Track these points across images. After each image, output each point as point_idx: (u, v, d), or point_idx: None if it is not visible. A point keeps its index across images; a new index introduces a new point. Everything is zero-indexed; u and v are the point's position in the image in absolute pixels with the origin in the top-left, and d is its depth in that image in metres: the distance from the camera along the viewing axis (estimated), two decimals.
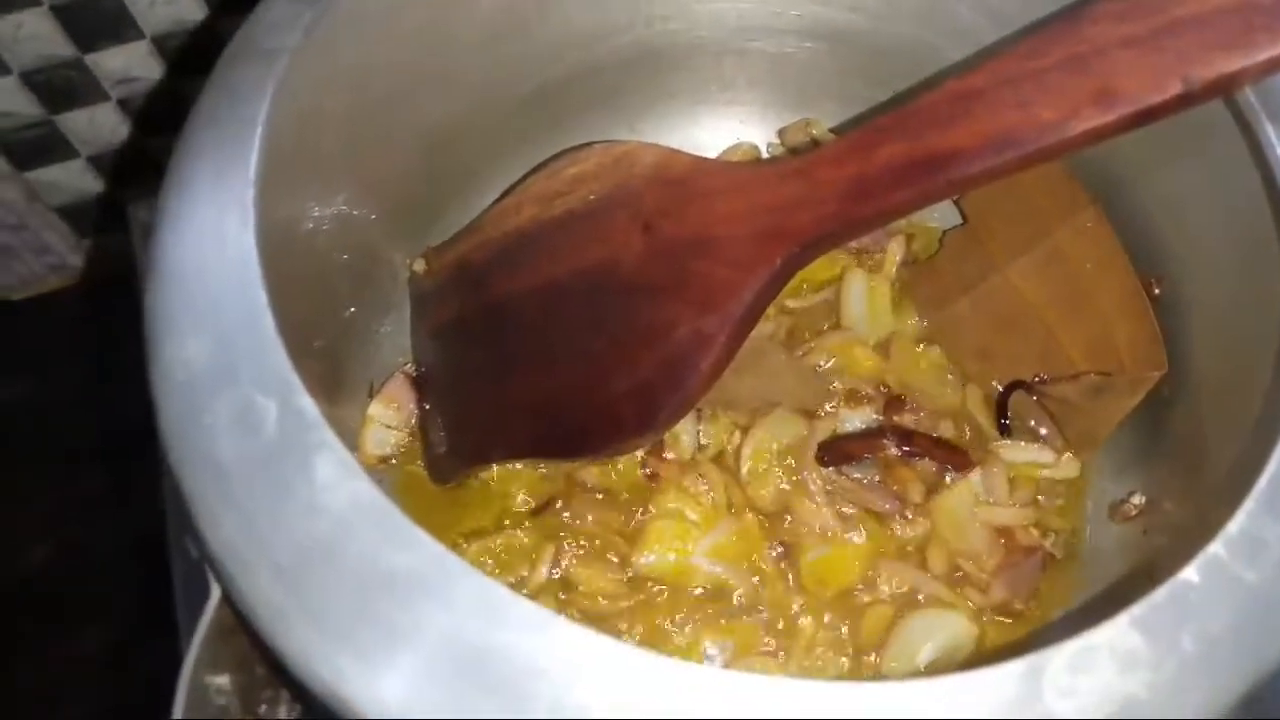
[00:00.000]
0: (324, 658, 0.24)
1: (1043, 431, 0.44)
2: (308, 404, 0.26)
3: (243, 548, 0.25)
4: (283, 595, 0.24)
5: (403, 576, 0.24)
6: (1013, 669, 0.22)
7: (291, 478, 0.25)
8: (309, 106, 0.35)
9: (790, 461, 0.44)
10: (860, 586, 0.42)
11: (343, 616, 0.24)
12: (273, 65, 0.32)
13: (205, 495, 0.25)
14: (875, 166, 0.33)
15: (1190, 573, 0.23)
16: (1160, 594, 0.23)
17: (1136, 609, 0.23)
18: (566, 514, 0.44)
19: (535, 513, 0.44)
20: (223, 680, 0.27)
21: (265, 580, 0.24)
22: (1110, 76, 0.30)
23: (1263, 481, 0.25)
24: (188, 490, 0.26)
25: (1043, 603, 0.42)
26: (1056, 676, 0.22)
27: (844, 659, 0.41)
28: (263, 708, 0.29)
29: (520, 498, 0.45)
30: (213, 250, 0.28)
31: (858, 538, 0.42)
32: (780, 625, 0.41)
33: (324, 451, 0.25)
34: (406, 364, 0.47)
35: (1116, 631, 0.22)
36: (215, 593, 0.26)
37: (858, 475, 0.44)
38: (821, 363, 0.47)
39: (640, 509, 0.44)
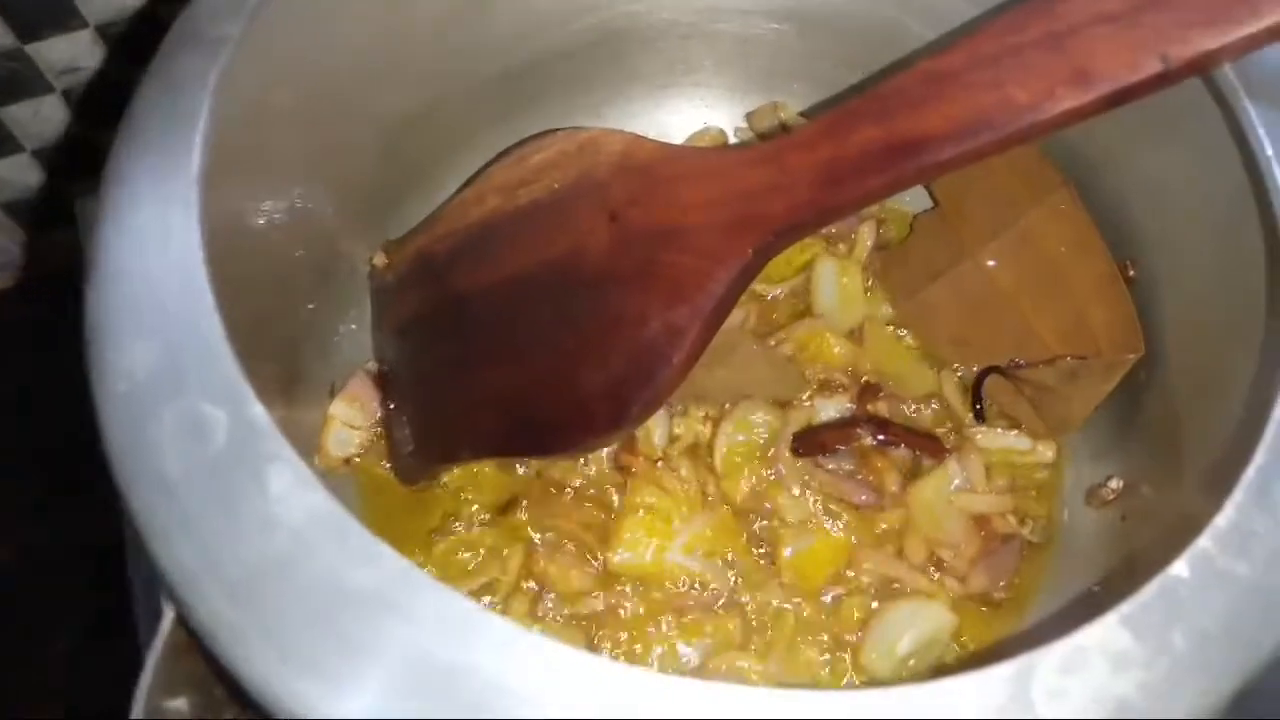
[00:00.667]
0: (284, 680, 0.23)
1: (1018, 417, 0.43)
2: (259, 413, 0.24)
3: (195, 566, 0.23)
4: (239, 615, 0.23)
5: (364, 593, 0.23)
6: (1002, 671, 0.21)
7: (244, 491, 0.23)
8: (255, 97, 0.33)
9: (765, 454, 0.43)
10: (839, 578, 0.41)
11: (302, 636, 0.22)
12: (215, 54, 0.31)
13: (153, 512, 0.24)
14: (848, 151, 0.32)
15: (1180, 568, 0.23)
16: (1149, 590, 0.22)
17: (1126, 607, 0.22)
18: (536, 512, 0.43)
19: (502, 511, 0.43)
20: (179, 704, 0.26)
21: (219, 600, 0.23)
22: (1087, 56, 0.29)
23: (1250, 473, 0.25)
24: (135, 507, 0.24)
25: (1021, 590, 0.41)
26: (1047, 678, 0.21)
27: (824, 653, 0.41)
28: None
29: (487, 496, 0.44)
30: (155, 250, 0.27)
31: (836, 529, 0.41)
32: (759, 620, 0.41)
33: (278, 463, 0.24)
34: (369, 361, 0.46)
35: (1106, 631, 0.22)
36: (169, 613, 0.25)
37: (833, 465, 0.43)
38: (794, 352, 0.47)
39: (612, 505, 0.43)
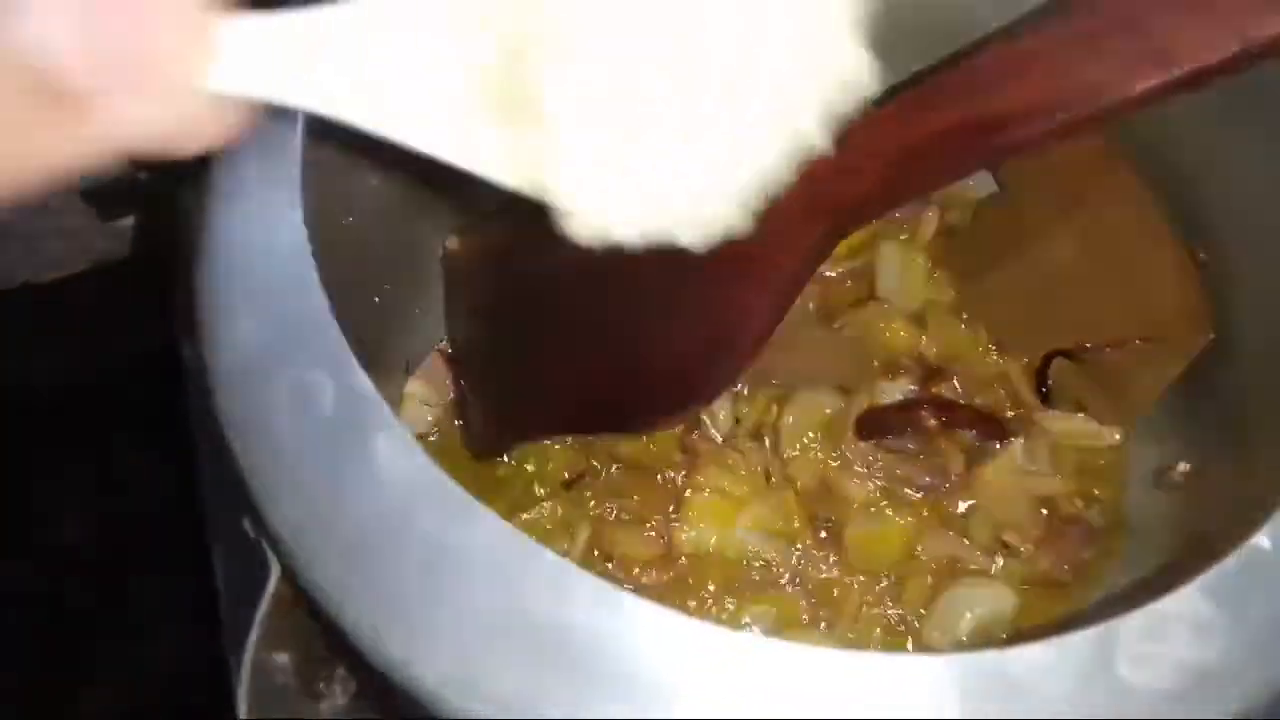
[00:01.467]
0: (386, 633, 0.24)
1: (1084, 400, 0.43)
2: (364, 382, 0.26)
3: (304, 526, 0.25)
4: (346, 573, 0.24)
5: (464, 551, 0.24)
6: (1086, 636, 0.22)
7: (351, 456, 0.25)
8: None
9: (829, 437, 0.44)
10: (903, 559, 0.41)
11: (407, 593, 0.24)
12: None
13: (264, 475, 0.25)
14: (921, 133, 0.32)
15: (1261, 539, 0.23)
16: (1231, 561, 0.23)
17: (1207, 577, 0.23)
18: (603, 488, 0.44)
19: (567, 485, 0.44)
20: (283, 659, 0.27)
21: (328, 558, 0.24)
22: (1165, 36, 0.29)
23: None
24: (246, 470, 0.26)
25: (1085, 572, 0.42)
26: (1129, 645, 0.22)
27: (887, 632, 0.41)
28: (320, 686, 0.29)
29: (553, 471, 0.45)
30: (261, 230, 0.28)
31: (900, 512, 0.42)
32: (822, 598, 0.41)
33: (384, 429, 0.25)
34: (442, 342, 0.47)
35: (1188, 600, 0.22)
36: (274, 571, 0.26)
37: (897, 448, 0.44)
38: (857, 335, 0.47)
39: (678, 484, 0.44)
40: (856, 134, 0.34)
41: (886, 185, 0.33)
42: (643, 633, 0.23)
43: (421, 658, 0.23)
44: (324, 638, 0.26)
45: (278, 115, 0.30)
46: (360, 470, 0.25)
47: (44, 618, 0.82)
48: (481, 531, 0.24)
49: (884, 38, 0.49)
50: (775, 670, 0.23)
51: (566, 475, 0.45)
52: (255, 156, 0.29)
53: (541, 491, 0.45)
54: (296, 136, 0.29)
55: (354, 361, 0.26)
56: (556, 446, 0.45)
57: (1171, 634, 0.22)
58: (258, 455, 0.26)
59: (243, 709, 0.25)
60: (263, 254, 0.28)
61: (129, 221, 0.82)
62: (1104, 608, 0.23)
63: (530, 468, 0.45)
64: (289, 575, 0.26)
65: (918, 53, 0.47)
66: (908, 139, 0.33)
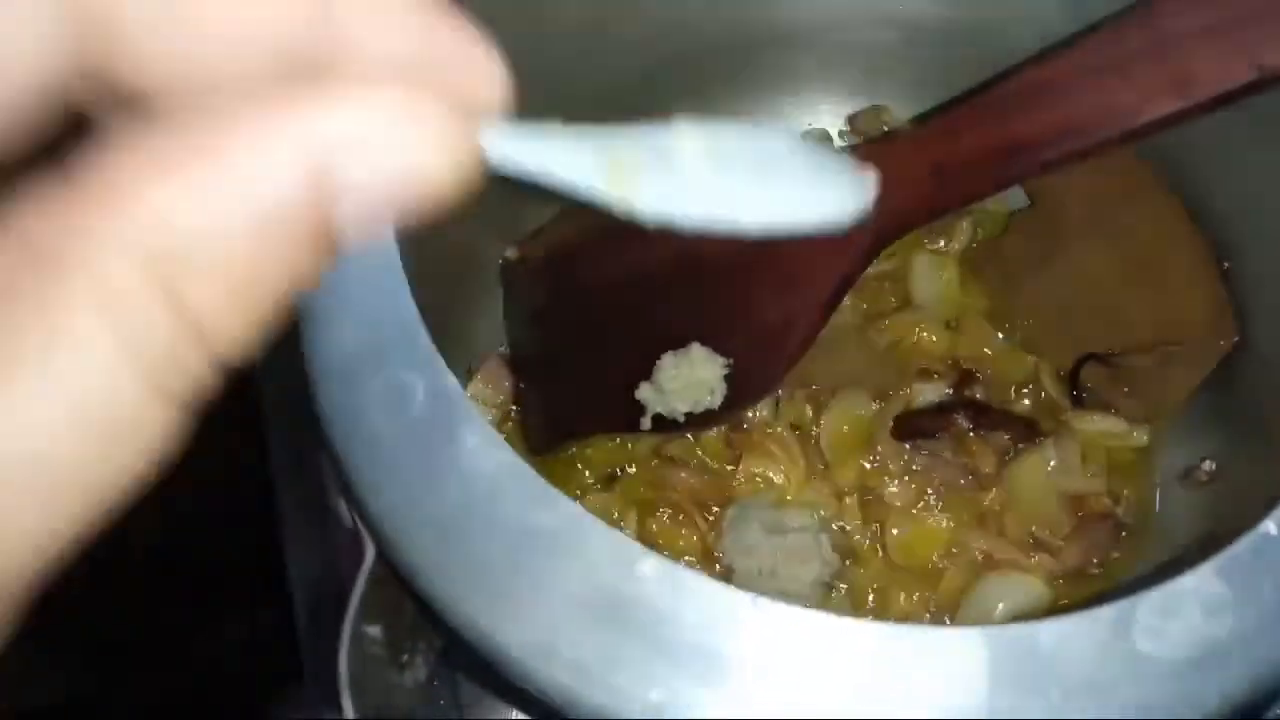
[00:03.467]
0: (475, 607, 0.27)
1: (1113, 401, 0.45)
2: (451, 382, 0.29)
3: (401, 510, 0.28)
4: (439, 552, 0.27)
5: (545, 532, 0.26)
6: (1106, 612, 0.24)
7: (441, 447, 0.28)
8: None
9: (868, 440, 0.46)
10: (942, 556, 0.44)
11: (493, 570, 0.27)
12: None
13: (363, 466, 0.28)
14: (960, 151, 0.35)
15: (1269, 525, 0.25)
16: (1242, 545, 0.25)
17: (1220, 559, 0.25)
18: (651, 484, 0.47)
19: (609, 480, 0.47)
20: (375, 630, 0.30)
21: (422, 539, 0.27)
22: (1185, 64, 0.32)
23: None
24: (346, 463, 0.29)
25: (1114, 567, 0.44)
26: (1146, 619, 0.24)
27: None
28: (404, 657, 0.32)
29: (596, 467, 0.47)
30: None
31: (939, 512, 0.44)
32: (866, 596, 0.44)
33: (469, 424, 0.28)
34: (501, 346, 0.50)
35: (1202, 579, 0.24)
36: (370, 551, 0.29)
37: (931, 449, 0.46)
38: (893, 341, 0.49)
39: (725, 479, 0.46)
40: (899, 150, 0.37)
41: (925, 200, 0.36)
42: (701, 605, 0.26)
43: (506, 627, 0.26)
44: (418, 611, 0.29)
45: None
46: (449, 462, 0.27)
47: (91, 611, 0.86)
48: (559, 515, 0.27)
49: (920, 60, 0.52)
50: (817, 640, 0.25)
51: (606, 472, 0.47)
52: None
53: (586, 487, 0.47)
54: None
55: (442, 363, 0.29)
56: (598, 442, 0.48)
57: (1185, 610, 0.24)
58: (357, 447, 0.29)
59: (343, 672, 0.28)
60: (358, 267, 0.31)
61: None
62: (1127, 589, 0.26)
63: (577, 464, 0.48)
64: (384, 556, 0.29)
65: (953, 76, 0.49)
66: (944, 158, 0.35)
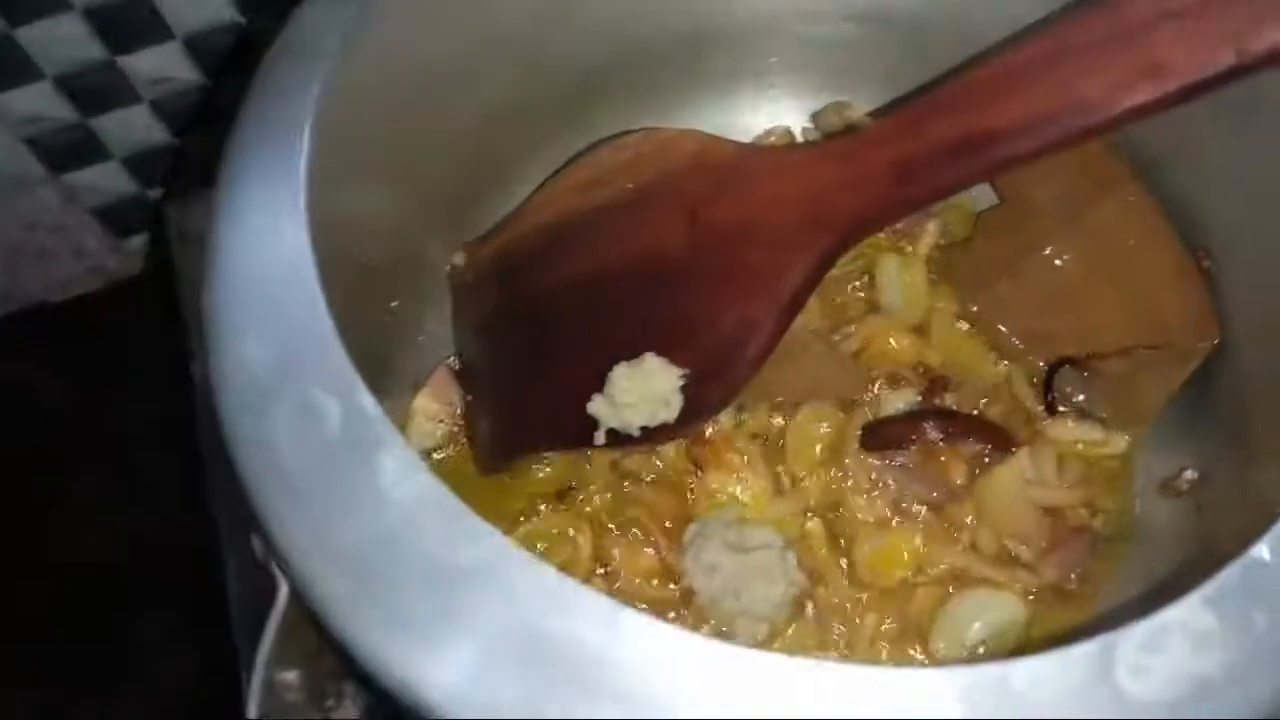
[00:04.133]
0: (392, 648, 0.24)
1: (1089, 407, 0.43)
2: (369, 401, 0.26)
3: (311, 544, 0.25)
4: (351, 588, 0.24)
5: (470, 569, 0.24)
6: (1085, 650, 0.22)
7: (356, 474, 0.25)
8: (351, 104, 0.35)
9: (834, 453, 0.44)
10: (912, 573, 0.42)
11: (411, 608, 0.24)
12: (316, 64, 0.33)
13: (270, 495, 0.26)
14: (922, 147, 0.33)
15: (1261, 550, 0.23)
16: (1231, 572, 0.23)
17: (1208, 588, 0.23)
18: (609, 501, 0.44)
19: (559, 497, 0.44)
20: (292, 676, 0.27)
21: (334, 576, 0.25)
22: (1158, 51, 0.29)
23: None
24: (252, 490, 0.26)
25: (1093, 582, 0.42)
26: (1128, 655, 0.22)
27: (892, 643, 0.41)
28: (330, 702, 0.30)
29: (546, 484, 0.45)
30: (269, 250, 0.28)
31: (908, 526, 0.42)
32: (833, 616, 0.41)
33: (387, 448, 0.25)
34: (449, 357, 0.48)
35: (1189, 610, 0.22)
36: (283, 589, 0.27)
37: (900, 460, 0.44)
38: (859, 347, 0.47)
39: (685, 495, 0.44)
40: (859, 148, 0.35)
41: (888, 197, 0.34)
42: (644, 648, 0.23)
43: (427, 673, 0.24)
44: (334, 654, 0.26)
45: (280, 135, 0.31)
46: (365, 489, 0.25)
47: (60, 635, 0.83)
48: (485, 549, 0.24)
49: (883, 52, 0.50)
50: (777, 684, 0.23)
51: (556, 489, 0.45)
52: (259, 176, 0.30)
53: (535, 506, 0.45)
54: (301, 156, 0.30)
55: (359, 381, 0.26)
56: (551, 458, 0.45)
57: (1171, 645, 0.22)
58: (265, 474, 0.26)
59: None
60: (269, 273, 0.28)
61: (142, 240, 0.83)
62: (1108, 619, 0.23)
63: (524, 482, 0.45)
64: (297, 593, 0.26)
65: (918, 67, 0.47)
66: (908, 153, 0.33)
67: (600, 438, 0.40)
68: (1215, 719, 0.22)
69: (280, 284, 0.28)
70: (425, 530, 0.24)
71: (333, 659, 0.29)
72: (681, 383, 0.39)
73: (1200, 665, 0.22)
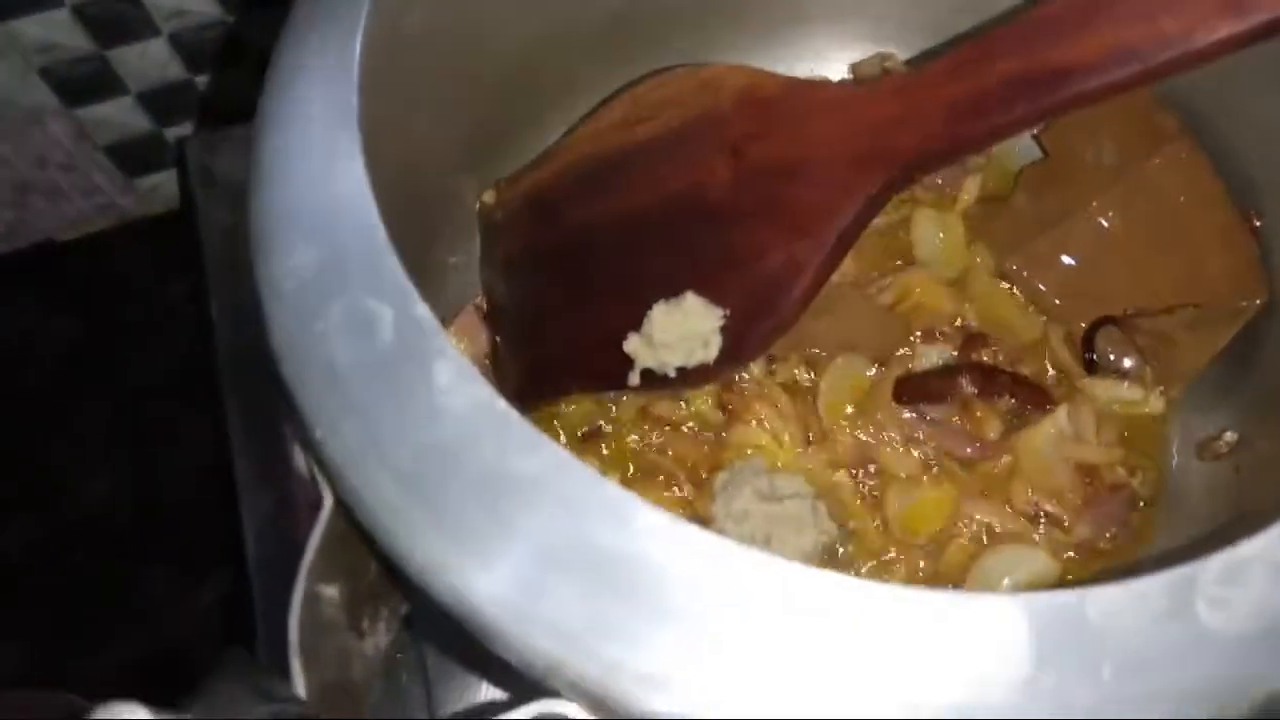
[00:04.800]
0: (447, 558, 0.23)
1: (1129, 366, 0.43)
2: (424, 311, 0.25)
3: (363, 453, 0.24)
4: (405, 500, 0.24)
5: (526, 478, 0.23)
6: (1163, 580, 0.21)
7: (411, 383, 0.24)
8: (397, 20, 0.34)
9: (868, 406, 0.43)
10: (945, 528, 0.41)
11: (467, 520, 0.23)
12: None
13: (321, 403, 0.25)
14: (987, 82, 0.32)
15: None
16: None
17: None
18: (638, 446, 0.44)
19: (584, 439, 0.44)
20: (332, 591, 0.27)
21: (387, 485, 0.24)
22: None
23: None
24: (301, 399, 0.25)
25: (1127, 542, 0.41)
26: (1208, 588, 0.21)
27: None
28: (365, 623, 0.29)
29: (572, 424, 0.44)
30: (320, 158, 0.28)
31: (941, 483, 0.41)
32: (866, 569, 0.41)
33: (443, 357, 0.24)
34: (477, 297, 0.47)
35: (1270, 543, 0.22)
36: (328, 501, 0.26)
37: (935, 414, 0.43)
38: (895, 300, 0.46)
39: (714, 442, 0.43)
40: (917, 84, 0.34)
41: (947, 135, 0.33)
42: (704, 564, 0.23)
43: (480, 585, 0.23)
44: (379, 567, 0.26)
45: (333, 42, 0.30)
46: (419, 398, 0.24)
47: (61, 579, 0.82)
48: (543, 460, 0.23)
49: (942, 11, 0.48)
50: (837, 607, 0.22)
51: (582, 429, 0.44)
52: (311, 84, 0.29)
53: (567, 444, 0.44)
54: (355, 62, 0.29)
55: (414, 290, 0.26)
56: (583, 402, 0.45)
57: (1251, 577, 0.21)
58: (315, 382, 0.25)
59: (293, 637, 0.25)
60: (320, 181, 0.27)
61: (155, 180, 0.81)
62: (1170, 557, 0.23)
63: (553, 422, 0.45)
64: (343, 506, 0.25)
65: (964, 13, 0.46)
66: (971, 89, 0.32)
67: (635, 378, 0.39)
68: None
69: (331, 191, 0.27)
70: (480, 440, 0.24)
71: (370, 578, 0.28)
72: (721, 324, 0.38)
73: None
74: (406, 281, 0.26)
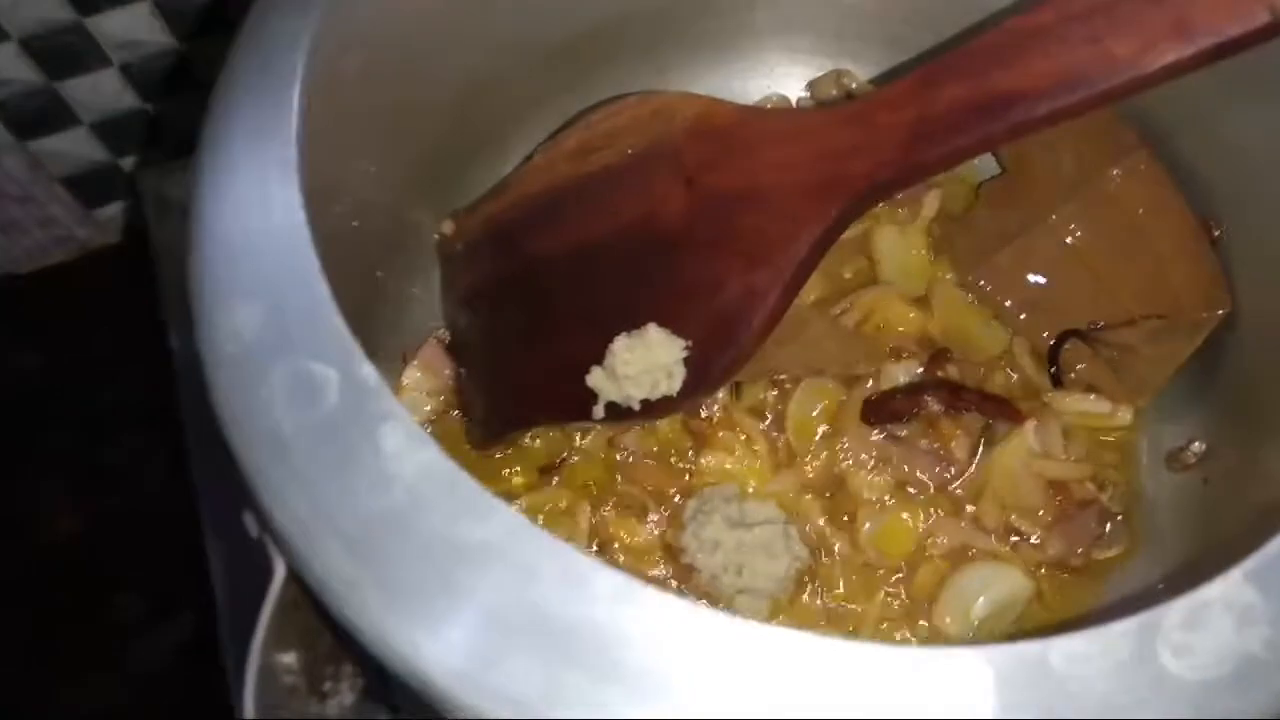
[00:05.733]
0: (398, 628, 0.23)
1: (1095, 380, 0.43)
2: (370, 372, 0.25)
3: (310, 521, 0.24)
4: (353, 567, 0.23)
5: (477, 545, 0.23)
6: (1125, 627, 0.21)
7: (358, 448, 0.24)
8: (337, 63, 0.33)
9: (836, 430, 0.43)
10: (916, 549, 0.41)
11: (418, 588, 0.23)
12: (304, 19, 0.31)
13: (267, 470, 0.24)
14: (938, 109, 0.31)
15: None
16: (1274, 546, 0.22)
17: (1250, 562, 0.22)
18: (605, 477, 0.43)
19: (543, 472, 0.43)
20: (290, 659, 0.26)
21: (336, 554, 0.23)
22: (1187, 7, 0.28)
23: None
24: (247, 465, 0.25)
25: (1099, 557, 0.41)
26: (1171, 634, 0.21)
27: (899, 621, 0.41)
28: (327, 685, 0.28)
29: (532, 459, 0.44)
30: (258, 214, 0.27)
31: (911, 505, 0.41)
32: (839, 593, 0.41)
33: (390, 420, 0.24)
34: (439, 329, 0.46)
35: (1231, 586, 0.21)
36: (279, 569, 0.25)
37: (903, 434, 0.43)
38: (861, 319, 0.46)
39: (683, 471, 0.43)
40: (871, 111, 0.34)
41: (902, 161, 0.32)
42: (664, 629, 0.22)
43: (432, 654, 0.22)
44: (332, 636, 0.25)
45: (269, 92, 0.29)
46: (368, 463, 0.24)
47: (28, 615, 0.81)
48: (495, 525, 0.23)
49: (886, 17, 0.48)
50: (800, 666, 0.22)
51: (544, 463, 0.44)
52: (247, 135, 0.28)
53: (534, 476, 0.43)
54: (292, 113, 0.28)
55: (358, 350, 0.25)
56: (550, 434, 0.44)
57: (1214, 622, 0.21)
58: (260, 449, 0.24)
59: (249, 709, 0.24)
60: (258, 237, 0.27)
61: (112, 210, 0.80)
62: (1135, 599, 0.22)
63: (521, 455, 0.44)
64: (295, 573, 0.25)
65: (923, 31, 0.46)
66: (924, 115, 0.32)
67: (599, 411, 0.39)
68: (1260, 701, 0.21)
69: (271, 249, 0.26)
70: (430, 506, 0.23)
71: (330, 640, 0.28)
72: (684, 355, 0.37)
73: (1244, 643, 0.21)
74: (350, 340, 0.25)
